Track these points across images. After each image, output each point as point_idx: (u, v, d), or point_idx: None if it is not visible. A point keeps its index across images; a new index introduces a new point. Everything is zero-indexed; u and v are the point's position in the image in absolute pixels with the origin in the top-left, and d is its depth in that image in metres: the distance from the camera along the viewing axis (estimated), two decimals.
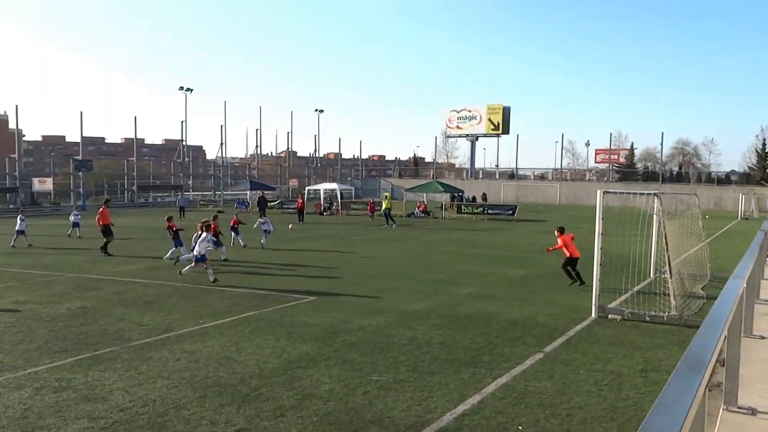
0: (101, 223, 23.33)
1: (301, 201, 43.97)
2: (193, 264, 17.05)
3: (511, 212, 45.22)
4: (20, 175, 59.49)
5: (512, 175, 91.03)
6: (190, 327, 11.54)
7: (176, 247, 20.90)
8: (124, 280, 17.13)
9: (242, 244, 24.77)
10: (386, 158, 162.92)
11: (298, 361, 9.39)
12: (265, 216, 28.76)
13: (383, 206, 40.07)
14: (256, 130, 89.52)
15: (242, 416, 7.18)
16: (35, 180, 59.85)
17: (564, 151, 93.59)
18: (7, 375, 8.70)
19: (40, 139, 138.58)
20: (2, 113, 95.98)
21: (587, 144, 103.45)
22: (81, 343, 10.44)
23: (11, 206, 53.04)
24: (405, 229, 36.43)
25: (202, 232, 17.71)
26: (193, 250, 17.98)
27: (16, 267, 19.71)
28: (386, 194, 43.68)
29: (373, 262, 21.02)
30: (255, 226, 27.21)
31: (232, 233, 25.20)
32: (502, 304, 13.87)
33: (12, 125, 69.59)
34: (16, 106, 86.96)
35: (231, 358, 9.49)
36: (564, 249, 16.04)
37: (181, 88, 76.48)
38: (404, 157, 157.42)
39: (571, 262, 15.96)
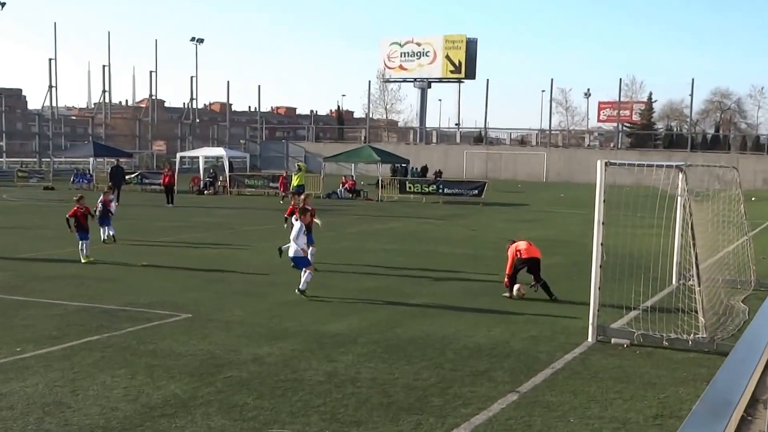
0: None
1: (169, 173, 43.28)
2: (308, 271, 16.27)
3: (477, 192, 45.92)
4: None
5: (480, 138, 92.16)
6: (2, 357, 11.35)
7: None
8: None
9: (110, 234, 24.15)
10: (297, 112, 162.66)
11: (163, 406, 9.32)
12: (115, 194, 28.33)
13: (293, 182, 39.93)
14: (104, 67, 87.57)
15: None
16: None
17: (554, 105, 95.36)
18: None
19: None
20: None
21: (587, 95, 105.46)
22: None
23: None
24: (324, 215, 36.28)
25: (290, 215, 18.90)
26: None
27: None
28: (299, 164, 43.60)
29: (277, 263, 20.92)
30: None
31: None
32: (461, 323, 14.06)
33: None
34: None
35: (63, 404, 9.35)
36: (519, 257, 16.27)
37: None
38: (323, 111, 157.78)
39: (531, 266, 16.28)
